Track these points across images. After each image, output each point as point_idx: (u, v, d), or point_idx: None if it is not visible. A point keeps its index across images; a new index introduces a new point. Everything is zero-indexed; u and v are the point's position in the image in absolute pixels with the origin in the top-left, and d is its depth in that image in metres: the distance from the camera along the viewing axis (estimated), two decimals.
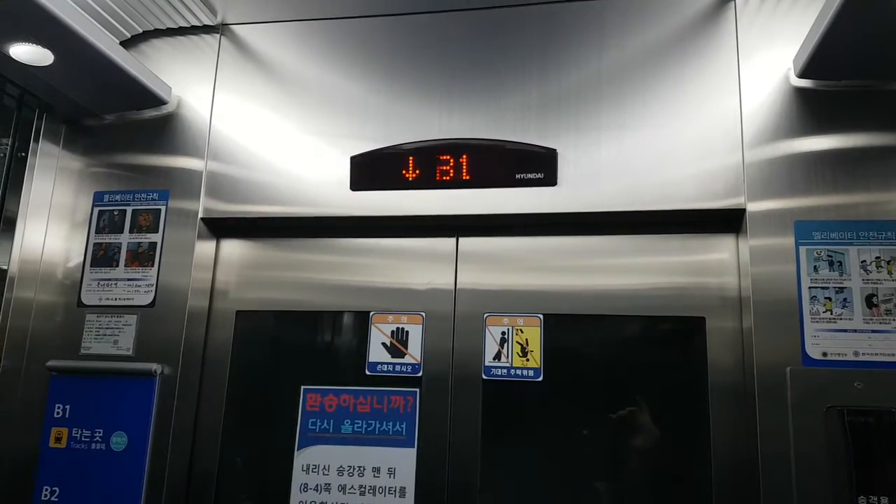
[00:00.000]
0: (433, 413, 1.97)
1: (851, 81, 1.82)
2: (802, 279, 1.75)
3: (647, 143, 1.92)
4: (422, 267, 2.10)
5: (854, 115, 1.81)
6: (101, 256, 2.14)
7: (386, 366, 2.03)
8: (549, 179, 1.95)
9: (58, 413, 2.04)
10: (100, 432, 2.01)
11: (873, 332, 1.70)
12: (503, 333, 2.00)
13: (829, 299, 1.73)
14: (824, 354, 1.70)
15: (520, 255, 2.06)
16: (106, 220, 2.17)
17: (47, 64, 1.92)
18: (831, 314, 1.72)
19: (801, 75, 1.83)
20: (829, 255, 1.75)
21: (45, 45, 1.85)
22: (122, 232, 2.15)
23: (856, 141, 1.80)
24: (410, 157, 2.04)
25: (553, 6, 2.07)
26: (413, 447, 1.96)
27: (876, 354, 1.69)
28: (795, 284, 1.75)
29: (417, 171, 2.03)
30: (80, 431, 2.02)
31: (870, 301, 1.72)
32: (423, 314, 2.05)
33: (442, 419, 1.96)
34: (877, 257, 1.73)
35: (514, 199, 1.97)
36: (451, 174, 2.01)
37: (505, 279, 2.05)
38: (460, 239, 2.10)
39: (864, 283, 1.73)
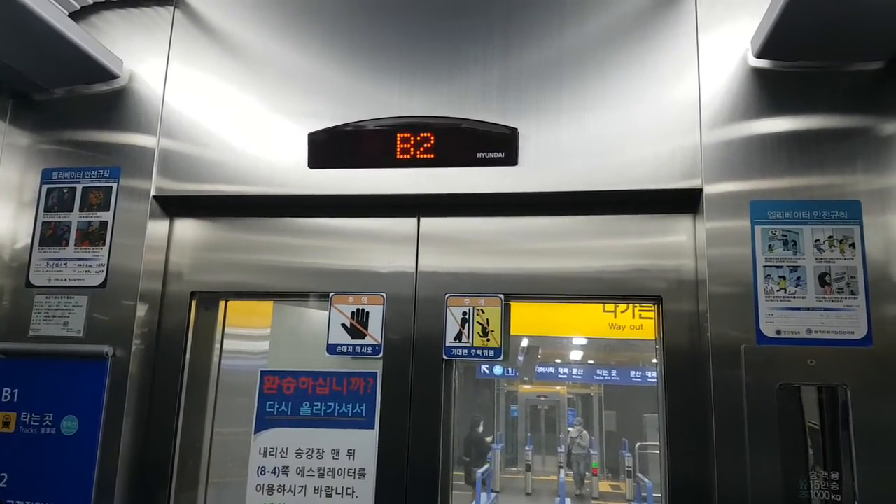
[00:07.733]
0: (394, 394, 1.95)
1: (808, 62, 1.83)
2: (757, 258, 1.76)
3: (607, 123, 1.92)
4: (383, 247, 2.07)
5: (810, 96, 1.82)
6: (51, 235, 2.07)
7: (346, 347, 2.01)
8: (511, 159, 1.94)
9: (6, 397, 1.98)
10: (49, 416, 1.95)
11: (825, 310, 1.72)
12: (464, 314, 1.99)
13: (784, 278, 1.75)
14: (778, 332, 1.72)
15: (481, 236, 2.04)
16: (55, 198, 2.10)
17: None
18: (785, 293, 1.74)
19: (759, 55, 1.83)
20: (783, 235, 1.77)
21: None
22: (71, 210, 2.08)
23: (812, 122, 1.81)
24: (370, 135, 2.00)
25: None
26: (373, 428, 1.94)
27: (828, 332, 1.71)
28: (751, 264, 1.76)
29: (377, 149, 1.99)
30: (29, 416, 1.96)
31: (823, 280, 1.74)
32: (384, 294, 2.02)
33: (402, 400, 1.95)
34: (830, 236, 1.75)
35: (476, 178, 1.95)
36: (412, 152, 1.98)
37: (467, 259, 2.03)
38: (422, 219, 2.07)
39: (817, 262, 1.75)
